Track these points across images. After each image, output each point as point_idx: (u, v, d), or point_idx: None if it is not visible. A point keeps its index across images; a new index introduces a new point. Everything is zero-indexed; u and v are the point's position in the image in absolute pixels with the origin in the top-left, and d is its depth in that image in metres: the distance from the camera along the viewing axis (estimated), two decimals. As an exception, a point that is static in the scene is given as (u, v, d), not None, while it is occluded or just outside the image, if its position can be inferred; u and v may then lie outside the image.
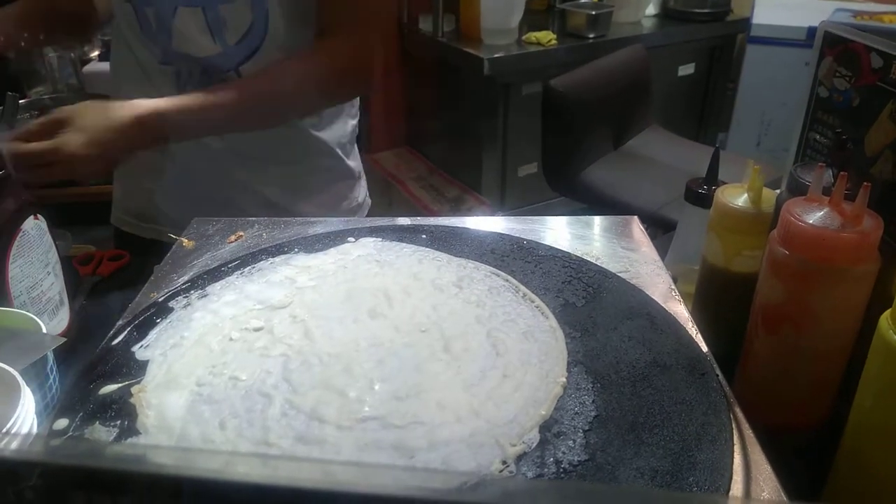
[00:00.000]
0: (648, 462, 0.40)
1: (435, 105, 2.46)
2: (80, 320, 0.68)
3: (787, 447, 0.45)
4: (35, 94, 1.64)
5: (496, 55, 2.02)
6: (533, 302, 0.55)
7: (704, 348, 0.51)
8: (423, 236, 0.65)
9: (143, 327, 0.54)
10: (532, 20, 2.26)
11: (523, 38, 2.12)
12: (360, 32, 0.80)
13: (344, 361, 0.49)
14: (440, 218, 0.72)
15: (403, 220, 0.70)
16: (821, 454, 0.48)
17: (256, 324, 0.53)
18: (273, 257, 0.63)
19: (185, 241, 0.69)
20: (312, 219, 0.73)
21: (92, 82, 1.71)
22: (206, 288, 0.58)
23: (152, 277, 0.64)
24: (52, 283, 0.64)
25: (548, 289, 0.57)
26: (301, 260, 0.62)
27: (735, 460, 0.41)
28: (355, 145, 0.99)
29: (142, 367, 0.49)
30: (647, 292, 0.57)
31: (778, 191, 0.54)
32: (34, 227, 0.61)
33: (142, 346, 0.52)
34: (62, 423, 0.44)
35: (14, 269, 0.59)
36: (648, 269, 0.62)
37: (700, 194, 0.64)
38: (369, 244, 0.64)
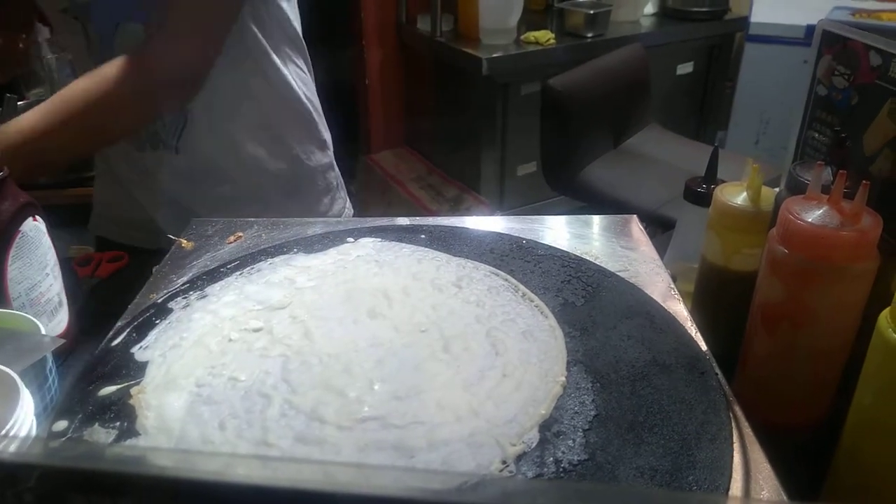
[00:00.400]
0: (648, 461, 0.40)
1: (433, 105, 2.46)
2: (79, 322, 0.67)
3: (786, 445, 0.45)
4: (34, 95, 1.63)
5: (495, 55, 2.02)
6: (532, 301, 0.55)
7: (704, 347, 0.51)
8: (423, 236, 0.65)
9: (142, 328, 0.54)
10: (530, 20, 2.26)
11: (522, 37, 2.12)
12: (155, 46, 0.73)
13: (343, 362, 0.49)
14: (439, 218, 0.72)
15: (402, 220, 0.70)
16: (820, 452, 0.48)
17: (256, 324, 0.53)
18: (272, 258, 0.63)
19: (184, 241, 0.69)
20: (311, 219, 0.73)
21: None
22: (206, 289, 0.58)
23: (151, 278, 0.64)
24: (51, 285, 0.63)
25: (547, 288, 0.57)
26: (300, 260, 0.62)
27: (734, 459, 0.41)
28: (324, 150, 0.97)
29: (141, 368, 0.49)
30: (647, 291, 0.57)
31: (777, 189, 0.54)
32: (33, 229, 0.61)
33: (141, 347, 0.52)
34: (61, 424, 0.44)
35: (13, 271, 0.59)
36: (647, 267, 0.62)
37: (699, 193, 0.64)
38: (368, 244, 0.64)
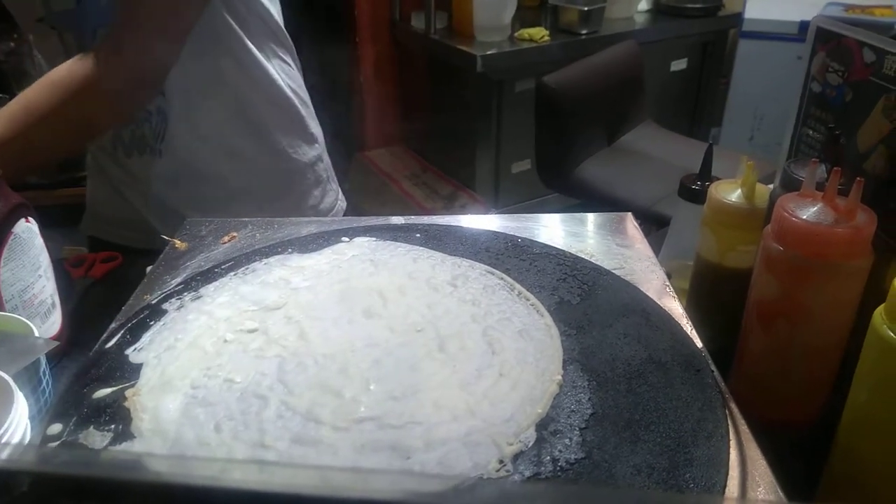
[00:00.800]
0: (645, 459, 0.40)
1: (428, 102, 2.46)
2: (72, 323, 0.67)
3: (782, 442, 0.45)
4: (25, 94, 1.63)
5: (489, 52, 2.02)
6: (528, 300, 0.55)
7: (699, 344, 0.51)
8: (418, 235, 0.65)
9: (136, 330, 0.53)
10: (524, 16, 2.26)
11: (516, 34, 2.12)
12: (125, 39, 0.71)
13: (339, 362, 0.48)
14: (434, 216, 0.72)
15: (397, 219, 0.70)
16: (816, 449, 0.48)
17: (251, 325, 0.53)
18: (267, 258, 0.62)
19: (177, 242, 0.69)
20: (306, 219, 0.73)
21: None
22: (200, 289, 0.58)
23: (145, 279, 0.63)
24: (44, 287, 0.63)
25: (543, 287, 0.57)
26: (295, 260, 0.62)
27: (731, 456, 0.41)
28: (311, 144, 0.97)
29: (135, 370, 0.49)
30: (642, 289, 0.57)
31: (771, 186, 0.55)
32: (25, 230, 0.61)
33: (135, 348, 0.51)
34: (56, 427, 0.44)
35: (5, 273, 0.58)
36: (643, 265, 0.62)
37: (694, 190, 0.64)
38: (363, 244, 0.64)
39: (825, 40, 0.52)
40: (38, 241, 0.63)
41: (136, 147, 0.86)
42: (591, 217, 0.71)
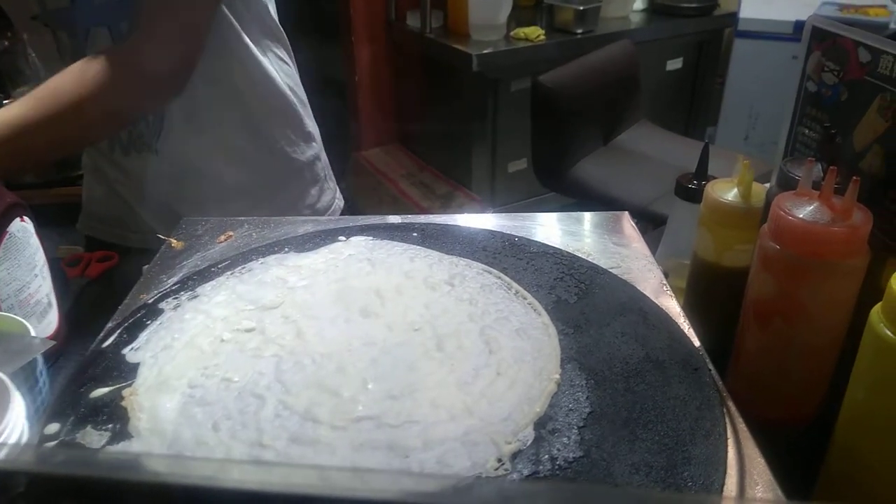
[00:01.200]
0: (643, 457, 0.40)
1: (424, 102, 2.46)
2: (68, 323, 0.67)
3: (780, 441, 0.45)
4: (18, 93, 1.62)
5: (484, 51, 2.02)
6: (525, 299, 0.55)
7: (697, 343, 0.51)
8: (415, 234, 0.65)
9: (133, 329, 0.53)
10: (520, 16, 2.26)
11: (511, 33, 2.12)
12: (157, 28, 0.72)
13: (337, 361, 0.48)
14: (431, 215, 0.72)
15: (394, 219, 0.70)
16: (814, 447, 0.48)
17: (248, 324, 0.53)
18: (264, 257, 0.62)
19: (174, 241, 0.68)
20: (303, 218, 0.73)
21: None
22: (197, 289, 0.58)
23: (141, 279, 0.63)
24: (40, 286, 0.63)
25: (540, 286, 0.57)
26: (292, 259, 0.62)
27: (729, 454, 0.42)
28: (309, 142, 0.97)
29: (133, 369, 0.49)
30: (639, 288, 0.57)
31: (767, 185, 0.55)
32: (20, 230, 0.61)
33: (132, 348, 0.51)
34: (53, 427, 0.44)
35: (1, 272, 0.58)
36: (640, 264, 0.63)
37: (690, 189, 0.64)
38: (360, 243, 0.64)
39: (820, 40, 0.52)
40: (34, 240, 0.63)
41: (134, 146, 0.86)
42: (587, 216, 0.72)
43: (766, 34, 2.22)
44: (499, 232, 0.66)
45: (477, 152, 2.20)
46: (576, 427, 0.42)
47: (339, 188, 1.05)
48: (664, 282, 0.60)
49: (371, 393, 0.45)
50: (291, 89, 0.91)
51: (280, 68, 0.89)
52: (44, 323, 0.63)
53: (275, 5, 0.89)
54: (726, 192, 0.56)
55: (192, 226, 0.72)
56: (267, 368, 0.48)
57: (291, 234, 0.68)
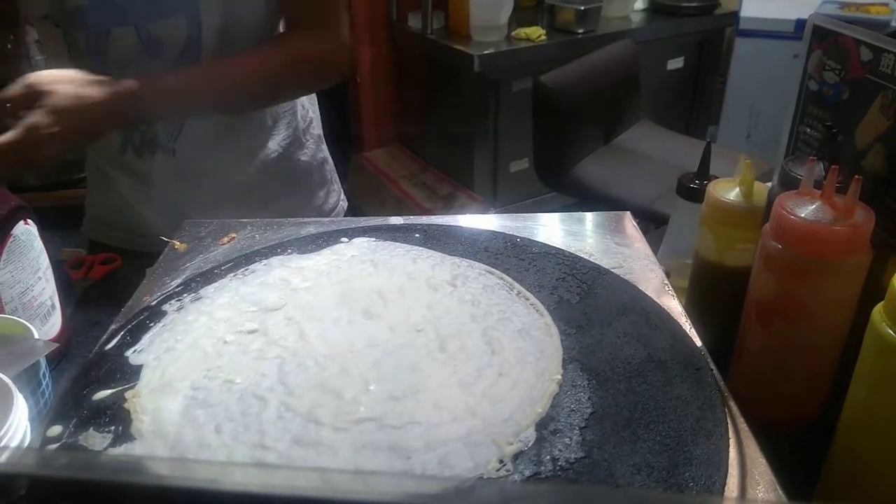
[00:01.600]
0: (645, 458, 0.40)
1: (425, 102, 2.46)
2: (72, 325, 0.67)
3: (781, 441, 0.45)
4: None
5: (486, 52, 2.02)
6: (527, 299, 0.55)
7: (698, 343, 0.51)
8: (417, 235, 0.65)
9: (136, 331, 0.53)
10: (521, 16, 2.26)
11: (512, 34, 2.12)
12: (328, 24, 0.81)
13: (339, 363, 0.48)
14: (433, 216, 0.72)
15: (396, 220, 0.70)
16: (815, 447, 0.48)
17: (251, 326, 0.53)
18: (266, 259, 0.62)
19: (177, 243, 0.69)
20: (305, 219, 0.73)
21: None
22: (200, 291, 0.58)
23: (144, 281, 0.63)
24: (44, 289, 0.63)
25: (542, 286, 0.57)
26: (295, 261, 0.62)
27: (731, 454, 0.42)
28: (319, 144, 0.98)
29: (135, 371, 0.49)
30: (641, 288, 0.57)
31: (769, 184, 0.55)
32: (24, 232, 0.61)
33: (135, 350, 0.51)
34: (56, 429, 0.44)
35: (5, 275, 0.58)
36: (641, 264, 0.63)
37: (692, 189, 0.64)
38: (363, 244, 0.64)
39: (822, 38, 0.52)
40: (38, 243, 0.63)
41: (148, 147, 0.86)
42: (589, 216, 0.72)
43: (767, 33, 2.21)
44: (501, 232, 0.66)
45: (479, 153, 2.20)
46: (577, 428, 0.42)
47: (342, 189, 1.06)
48: (666, 282, 0.60)
49: (373, 394, 0.45)
50: None
51: None
52: (47, 325, 0.63)
53: None
54: (728, 191, 0.56)
55: (195, 228, 0.72)
56: (270, 370, 0.48)
57: (294, 235, 0.68)
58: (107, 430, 0.44)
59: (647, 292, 0.56)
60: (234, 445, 0.42)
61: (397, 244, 0.64)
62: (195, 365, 0.49)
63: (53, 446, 0.43)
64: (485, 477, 0.39)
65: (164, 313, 0.55)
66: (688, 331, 0.53)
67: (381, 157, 2.54)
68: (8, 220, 0.59)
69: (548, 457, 0.40)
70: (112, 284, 0.79)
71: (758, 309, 0.50)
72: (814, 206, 0.45)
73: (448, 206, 2.24)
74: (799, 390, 0.51)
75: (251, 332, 0.52)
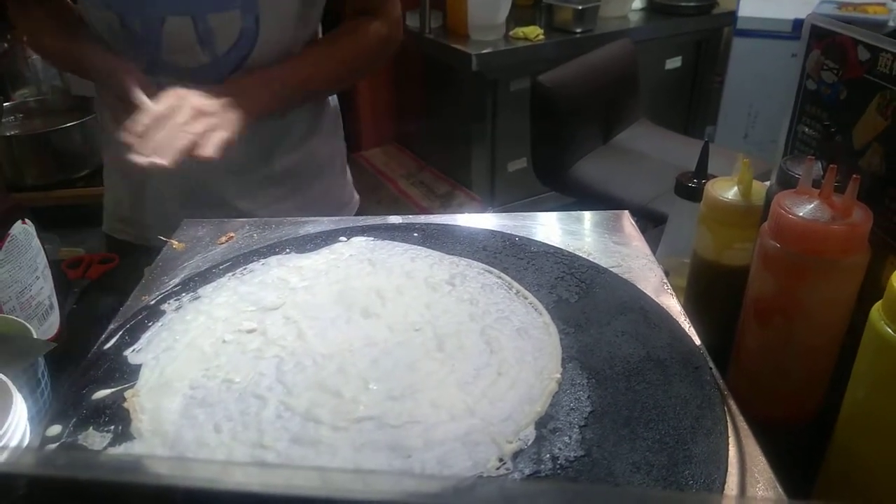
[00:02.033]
0: (644, 456, 0.40)
1: (423, 102, 2.46)
2: (70, 325, 0.67)
3: (780, 439, 0.45)
4: (19, 96, 1.62)
5: (484, 51, 2.02)
6: (526, 298, 0.55)
7: (697, 342, 0.51)
8: (415, 234, 0.65)
9: (134, 331, 0.53)
10: (519, 15, 2.26)
11: (510, 33, 2.12)
12: (387, 7, 0.89)
13: (338, 362, 0.48)
14: (432, 216, 0.72)
15: (395, 219, 0.70)
16: (814, 445, 0.48)
17: (249, 325, 0.53)
18: (264, 258, 0.62)
19: (175, 243, 0.69)
20: (303, 219, 0.73)
21: (76, 84, 1.69)
22: (198, 290, 0.58)
23: (143, 280, 0.63)
24: (42, 288, 0.63)
25: (541, 285, 0.57)
26: (293, 260, 0.62)
27: (730, 453, 0.42)
28: (339, 135, 1.00)
29: (134, 371, 0.49)
30: (640, 286, 0.57)
31: (767, 183, 0.55)
32: (22, 232, 0.61)
33: (134, 349, 0.51)
34: (55, 429, 0.44)
35: (3, 275, 0.58)
36: (640, 263, 0.63)
37: (690, 188, 0.64)
38: (361, 243, 0.64)
39: (820, 38, 0.52)
40: (36, 242, 0.63)
41: None
42: (588, 215, 0.72)
43: (765, 32, 2.22)
44: (499, 231, 0.66)
45: (477, 152, 2.20)
46: (577, 426, 0.42)
47: None
48: (665, 280, 0.60)
49: (372, 393, 0.45)
50: None
51: None
52: (45, 325, 0.63)
53: None
54: (726, 190, 0.56)
55: (193, 227, 0.72)
56: (268, 369, 0.48)
57: (292, 235, 0.68)
58: (106, 429, 0.44)
59: (645, 291, 0.56)
60: (233, 445, 0.42)
61: (395, 243, 0.64)
62: (194, 364, 0.49)
63: (53, 446, 0.43)
64: (484, 476, 0.39)
65: (162, 313, 0.55)
66: (686, 329, 0.53)
67: (378, 157, 2.54)
68: (6, 220, 0.59)
69: (547, 455, 0.40)
70: (110, 284, 0.79)
71: (756, 308, 0.50)
72: (812, 206, 0.45)
73: (446, 205, 2.24)
74: (797, 389, 0.51)
75: (250, 331, 0.52)
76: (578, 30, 2.17)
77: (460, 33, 2.13)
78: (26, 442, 0.44)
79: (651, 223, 1.16)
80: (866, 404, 0.43)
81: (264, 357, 0.49)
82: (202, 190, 0.86)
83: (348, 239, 0.65)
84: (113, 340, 0.52)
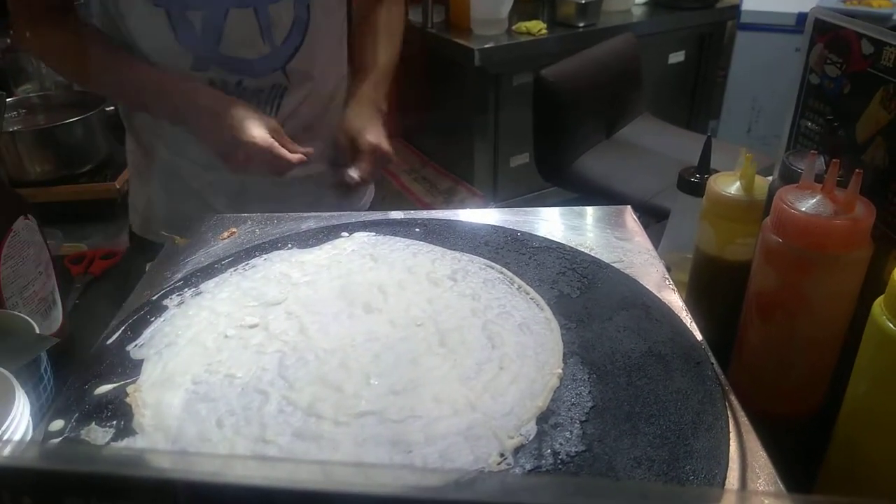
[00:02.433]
0: (645, 451, 0.40)
1: (426, 97, 2.45)
2: (73, 320, 0.67)
3: (782, 434, 0.45)
4: (22, 91, 1.62)
5: (486, 45, 2.01)
6: (528, 294, 0.55)
7: (699, 337, 0.51)
8: (417, 230, 0.65)
9: (137, 326, 0.53)
10: (522, 9, 2.25)
11: (513, 27, 2.12)
12: None
13: (340, 357, 0.49)
14: (434, 211, 0.72)
15: (397, 214, 0.70)
16: (816, 440, 0.48)
17: (251, 320, 0.53)
18: (267, 253, 0.62)
19: (177, 238, 0.69)
20: (305, 214, 0.73)
21: (79, 80, 1.69)
22: (200, 285, 0.58)
23: (145, 275, 0.63)
24: (44, 284, 0.63)
25: (542, 280, 0.57)
26: (295, 255, 0.62)
27: (731, 448, 0.42)
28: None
29: (137, 366, 0.49)
30: (642, 282, 0.57)
31: (770, 178, 0.55)
32: (25, 228, 0.61)
33: (136, 345, 0.51)
34: (58, 424, 0.44)
35: (5, 270, 0.59)
36: (642, 258, 0.63)
37: (693, 183, 0.64)
38: (363, 238, 0.64)
39: (823, 32, 0.52)
40: (38, 238, 0.63)
41: None
42: (590, 210, 0.71)
43: (768, 26, 2.21)
44: (501, 227, 0.66)
45: (479, 147, 2.20)
46: (578, 421, 0.43)
47: None
48: (666, 276, 0.60)
49: (374, 388, 0.45)
50: None
51: None
52: (48, 320, 0.63)
53: None
54: (729, 185, 0.56)
55: (196, 223, 0.72)
56: (270, 364, 0.48)
57: (294, 230, 0.68)
58: (108, 424, 0.44)
59: (647, 286, 0.56)
60: (235, 439, 0.42)
61: (397, 238, 0.64)
62: (196, 359, 0.49)
63: (55, 440, 0.43)
64: (486, 470, 0.39)
65: (164, 308, 0.55)
66: (688, 325, 0.53)
67: (381, 152, 2.53)
68: (9, 216, 0.59)
69: (549, 450, 0.41)
70: (112, 279, 0.79)
71: (758, 303, 0.50)
72: (814, 200, 0.45)
73: (448, 200, 2.24)
74: (799, 384, 0.51)
75: (252, 326, 0.52)
76: (581, 24, 2.16)
77: (463, 28, 2.13)
78: (29, 437, 0.44)
79: (653, 218, 1.16)
80: (868, 399, 0.43)
81: (266, 352, 0.50)
82: (249, 189, 0.86)
83: (350, 234, 0.65)
84: (115, 336, 0.53)
